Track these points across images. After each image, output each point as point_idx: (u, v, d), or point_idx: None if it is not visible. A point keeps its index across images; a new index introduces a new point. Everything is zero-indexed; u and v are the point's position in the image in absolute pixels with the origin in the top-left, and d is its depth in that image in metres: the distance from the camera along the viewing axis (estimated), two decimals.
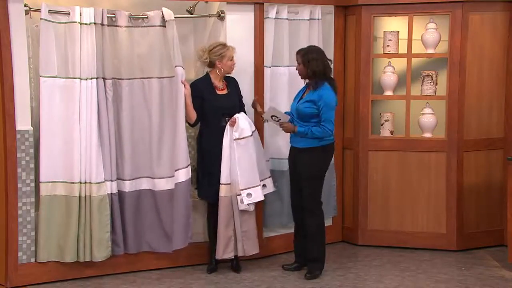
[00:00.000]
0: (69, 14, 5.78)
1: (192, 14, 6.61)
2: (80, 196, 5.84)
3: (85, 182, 5.84)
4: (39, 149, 5.76)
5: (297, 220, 6.24)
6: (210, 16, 6.56)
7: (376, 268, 6.43)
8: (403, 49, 6.98)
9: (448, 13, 6.76)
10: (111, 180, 5.94)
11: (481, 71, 6.84)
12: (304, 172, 6.02)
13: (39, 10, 5.69)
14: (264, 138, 6.53)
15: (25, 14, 5.71)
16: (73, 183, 5.83)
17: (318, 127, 5.91)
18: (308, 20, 6.76)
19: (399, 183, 6.97)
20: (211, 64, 6.14)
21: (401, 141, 6.98)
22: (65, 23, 5.78)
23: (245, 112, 6.24)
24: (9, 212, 5.70)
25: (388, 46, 7.02)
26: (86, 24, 5.79)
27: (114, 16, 5.94)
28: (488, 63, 6.86)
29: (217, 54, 6.07)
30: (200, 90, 6.12)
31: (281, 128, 6.04)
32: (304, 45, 6.30)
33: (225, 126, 6.11)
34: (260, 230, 6.56)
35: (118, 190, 6.00)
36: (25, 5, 5.70)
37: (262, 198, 6.19)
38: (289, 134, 6.18)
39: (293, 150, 6.14)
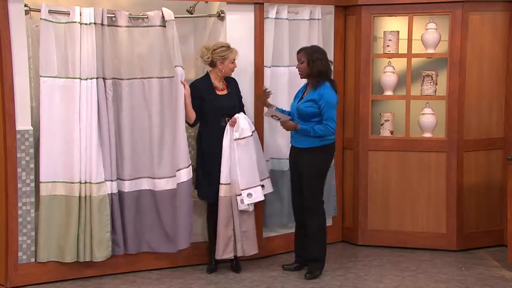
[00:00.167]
0: (69, 14, 5.78)
1: (192, 14, 6.61)
2: (80, 196, 5.84)
3: (85, 182, 5.84)
4: (39, 149, 5.76)
5: (298, 220, 6.24)
6: (210, 16, 6.56)
7: (376, 268, 6.43)
8: (403, 49, 6.98)
9: (448, 13, 6.76)
10: (111, 180, 5.94)
11: (481, 71, 6.84)
12: (305, 172, 6.02)
13: (39, 10, 5.69)
14: (264, 138, 6.53)
15: (25, 14, 5.71)
16: (73, 183, 5.83)
17: (321, 125, 5.91)
18: (308, 20, 6.76)
19: (399, 183, 6.97)
20: (212, 64, 6.14)
21: (401, 141, 6.98)
22: (65, 23, 5.78)
23: (244, 113, 6.24)
24: (9, 212, 5.70)
25: (388, 46, 7.03)
26: (86, 24, 5.79)
27: (114, 16, 5.94)
28: (488, 63, 6.86)
29: (220, 55, 6.07)
30: (200, 90, 6.12)
31: (282, 126, 6.02)
32: (304, 45, 6.29)
33: (224, 126, 6.11)
34: (260, 230, 6.57)
35: (118, 190, 6.01)
36: (25, 5, 5.70)
37: (262, 198, 6.20)
38: (289, 134, 6.19)
39: (294, 150, 6.14)
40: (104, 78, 5.91)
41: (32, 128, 5.77)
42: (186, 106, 6.08)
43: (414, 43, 6.91)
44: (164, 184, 6.09)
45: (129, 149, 6.02)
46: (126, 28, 5.96)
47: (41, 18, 5.69)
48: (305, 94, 6.06)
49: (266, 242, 6.66)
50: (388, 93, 7.09)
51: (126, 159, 6.01)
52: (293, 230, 6.39)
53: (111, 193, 5.95)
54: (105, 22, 5.89)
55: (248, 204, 6.11)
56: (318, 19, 6.80)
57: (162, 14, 6.04)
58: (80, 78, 5.80)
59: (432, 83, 6.94)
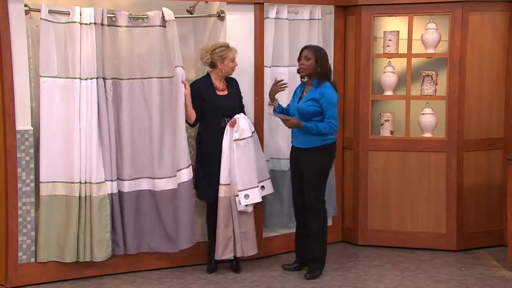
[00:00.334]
0: (69, 14, 5.78)
1: (192, 14, 6.61)
2: (80, 196, 5.84)
3: (85, 182, 5.84)
4: (39, 149, 5.76)
5: (298, 220, 6.24)
6: (210, 16, 6.56)
7: (376, 268, 6.43)
8: (403, 49, 6.98)
9: (448, 13, 6.76)
10: (112, 180, 5.94)
11: (481, 71, 6.84)
12: (307, 172, 6.02)
13: (39, 10, 5.69)
14: (264, 138, 6.53)
15: (25, 14, 5.71)
16: (73, 183, 5.82)
17: (324, 123, 5.91)
18: (308, 20, 6.76)
19: (399, 183, 6.97)
20: (213, 65, 6.13)
21: (401, 141, 6.98)
22: (65, 23, 5.78)
23: (244, 113, 6.24)
24: (9, 212, 5.70)
25: (388, 46, 7.03)
26: (86, 24, 5.79)
27: (114, 16, 5.94)
28: (488, 63, 6.86)
29: (219, 55, 6.07)
30: (200, 90, 6.11)
31: (285, 124, 5.99)
32: (304, 45, 6.28)
33: (224, 127, 6.11)
34: (260, 230, 6.57)
35: (118, 190, 6.01)
36: (25, 5, 5.70)
37: (259, 199, 6.19)
38: (289, 134, 6.19)
39: (295, 150, 6.13)
40: (104, 78, 5.91)
41: (32, 128, 5.77)
42: (186, 106, 6.08)
43: (414, 43, 6.91)
44: (164, 184, 6.08)
45: (129, 149, 6.02)
46: (126, 28, 5.96)
47: (41, 18, 5.69)
48: (304, 94, 6.06)
49: (266, 242, 6.66)
50: (388, 93, 7.09)
51: (125, 159, 6.01)
52: (293, 230, 6.39)
53: (111, 193, 5.94)
54: (105, 22, 5.89)
55: (246, 205, 6.11)
56: (318, 19, 6.80)
57: (162, 14, 6.04)
58: (80, 78, 5.80)
59: (432, 83, 6.94)
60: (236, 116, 6.11)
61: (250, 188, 6.10)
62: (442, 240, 6.89)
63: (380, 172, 7.02)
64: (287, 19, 6.64)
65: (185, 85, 6.07)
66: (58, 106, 5.79)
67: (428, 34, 6.92)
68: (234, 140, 6.07)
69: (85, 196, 5.84)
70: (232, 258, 6.22)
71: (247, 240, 6.18)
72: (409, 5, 6.82)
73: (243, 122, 6.10)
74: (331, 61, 6.84)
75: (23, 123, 5.73)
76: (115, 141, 5.97)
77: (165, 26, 6.04)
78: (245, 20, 6.44)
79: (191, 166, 6.17)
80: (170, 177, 6.09)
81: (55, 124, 5.78)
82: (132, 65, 6.00)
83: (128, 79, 5.99)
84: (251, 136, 6.15)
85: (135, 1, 6.46)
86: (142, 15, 6.04)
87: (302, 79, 6.11)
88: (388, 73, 7.07)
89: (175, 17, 6.07)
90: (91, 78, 5.82)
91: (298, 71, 6.09)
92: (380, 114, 7.12)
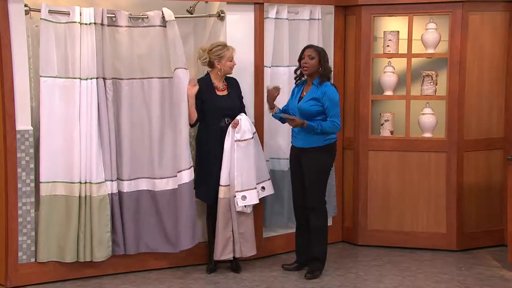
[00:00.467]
0: (69, 14, 5.78)
1: (192, 14, 6.61)
2: (80, 196, 5.84)
3: (85, 182, 5.84)
4: (39, 149, 5.76)
5: (299, 220, 6.24)
6: (210, 16, 6.56)
7: (376, 268, 6.42)
8: (403, 49, 6.98)
9: (448, 13, 6.76)
10: (111, 180, 5.94)
11: (481, 71, 6.84)
12: (309, 172, 6.01)
13: (39, 10, 5.69)
14: (264, 138, 6.52)
15: (25, 14, 5.71)
16: (73, 183, 5.83)
17: (327, 122, 5.91)
18: (308, 20, 6.76)
19: (399, 183, 6.97)
20: (211, 64, 6.13)
21: (401, 141, 6.98)
22: (65, 23, 5.78)
23: (245, 113, 6.24)
24: (9, 212, 5.70)
25: (388, 46, 7.02)
26: (86, 24, 5.79)
27: (114, 16, 5.94)
28: (488, 63, 6.86)
29: (216, 54, 6.07)
30: (200, 90, 6.10)
31: (290, 124, 5.96)
32: (304, 45, 6.28)
33: (224, 127, 6.10)
34: (260, 230, 6.57)
35: (118, 190, 6.01)
36: (25, 5, 5.70)
37: (256, 201, 6.18)
38: (289, 134, 6.19)
39: (296, 150, 6.12)
40: (104, 78, 5.91)
41: (32, 128, 5.77)
42: (190, 106, 6.05)
43: (414, 43, 6.91)
44: (164, 185, 6.08)
45: (128, 150, 6.02)
46: (126, 28, 5.96)
47: (41, 18, 5.69)
48: (304, 93, 6.06)
49: (266, 242, 6.66)
50: (388, 93, 7.09)
51: (125, 159, 6.01)
52: (293, 230, 6.39)
53: (111, 193, 5.94)
54: (105, 22, 5.89)
55: (245, 206, 6.10)
56: (318, 19, 6.80)
57: (162, 14, 6.04)
58: (80, 78, 5.81)
59: (432, 83, 6.94)
60: (238, 117, 6.10)
61: (248, 189, 6.10)
62: (442, 240, 6.89)
63: (380, 172, 7.01)
64: (287, 19, 6.64)
65: (194, 85, 6.01)
66: (58, 106, 5.79)
67: (428, 34, 6.92)
68: (235, 141, 6.06)
69: (85, 196, 5.84)
70: (232, 258, 6.21)
71: (246, 241, 6.17)
72: (409, 5, 6.82)
73: (244, 124, 6.10)
74: (331, 61, 6.85)
75: (23, 123, 5.73)
76: (115, 141, 5.97)
77: (165, 26, 6.04)
78: (245, 20, 6.44)
79: (192, 167, 6.16)
80: (169, 177, 6.08)
81: (55, 124, 5.78)
82: (132, 65, 6.01)
83: (128, 79, 5.99)
84: (252, 137, 6.14)
85: (135, 1, 6.46)
86: (142, 15, 6.04)
87: (300, 79, 6.10)
88: (388, 73, 7.06)
89: (175, 17, 6.07)
90: (91, 78, 5.82)
91: (296, 71, 6.09)
92: (380, 114, 7.12)
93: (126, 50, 5.98)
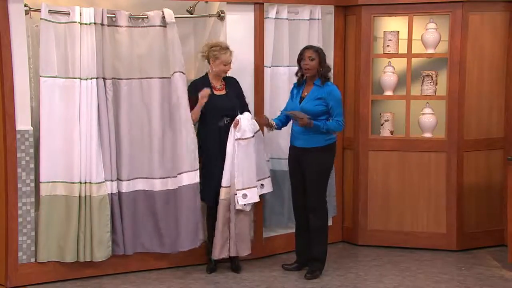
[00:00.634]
0: (69, 14, 5.78)
1: (192, 14, 6.61)
2: (80, 196, 5.84)
3: (85, 182, 5.84)
4: (39, 149, 5.76)
5: (299, 220, 6.24)
6: (210, 16, 6.56)
7: (376, 268, 6.42)
8: (403, 49, 6.98)
9: (448, 13, 6.76)
10: (111, 180, 5.94)
11: (481, 71, 6.84)
12: (310, 172, 6.01)
13: (39, 10, 5.69)
14: (264, 138, 6.51)
15: (25, 14, 5.71)
16: (73, 183, 5.83)
17: (332, 121, 5.92)
18: (308, 20, 6.76)
19: (399, 183, 6.97)
20: (208, 60, 6.13)
21: (401, 141, 6.98)
22: (65, 23, 5.78)
23: (249, 111, 6.22)
24: (9, 212, 5.70)
25: (388, 46, 7.02)
26: (86, 24, 5.79)
27: (114, 16, 5.94)
28: (488, 63, 6.86)
29: (213, 53, 6.06)
30: (198, 89, 6.10)
31: (300, 123, 5.92)
32: (304, 45, 6.28)
33: (223, 127, 6.10)
34: (260, 230, 6.57)
35: (117, 191, 6.01)
36: (25, 5, 5.70)
37: (257, 199, 6.17)
38: (289, 134, 6.18)
39: (295, 150, 6.11)
40: (104, 78, 5.91)
41: (32, 128, 5.77)
42: (195, 109, 6.03)
43: (414, 43, 6.90)
44: (161, 185, 6.08)
45: (128, 150, 6.02)
46: (126, 28, 5.96)
47: (41, 18, 5.69)
48: (305, 94, 6.05)
49: (266, 242, 6.66)
50: (388, 93, 7.09)
51: (124, 160, 6.01)
52: (293, 230, 6.39)
53: (111, 193, 5.94)
54: (105, 22, 5.89)
55: (245, 204, 6.10)
56: (318, 19, 6.80)
57: (163, 14, 6.04)
58: (80, 78, 5.81)
59: (432, 83, 6.94)
60: (239, 116, 6.10)
61: (248, 187, 6.10)
62: (442, 240, 6.89)
63: (380, 172, 7.01)
64: (287, 19, 6.64)
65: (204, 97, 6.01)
66: (58, 106, 5.79)
67: (428, 34, 6.92)
68: (236, 139, 6.05)
69: (85, 196, 5.84)
70: (228, 257, 6.20)
71: (241, 241, 6.16)
72: (409, 5, 6.82)
73: (244, 123, 6.09)
74: (331, 61, 6.86)
75: (23, 123, 5.73)
76: (115, 141, 5.97)
77: (165, 26, 6.04)
78: (245, 20, 6.43)
79: (197, 170, 6.09)
80: (167, 178, 6.08)
81: (55, 124, 5.78)
82: (132, 65, 6.01)
83: (127, 79, 5.99)
84: (253, 136, 6.13)
85: (135, 1, 6.46)
86: (142, 15, 6.04)
87: (302, 80, 6.11)
88: (388, 73, 7.06)
89: (175, 17, 6.07)
90: (91, 78, 5.82)
91: (297, 73, 6.09)
92: (380, 114, 7.12)
93: (126, 50, 5.98)
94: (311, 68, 5.99)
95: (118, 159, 5.99)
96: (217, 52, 6.05)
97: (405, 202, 6.97)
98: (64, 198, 5.83)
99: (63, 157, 5.82)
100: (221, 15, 6.42)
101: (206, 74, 6.21)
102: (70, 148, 5.82)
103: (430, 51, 6.95)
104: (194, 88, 6.12)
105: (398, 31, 7.01)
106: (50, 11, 5.72)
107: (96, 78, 5.84)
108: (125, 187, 6.02)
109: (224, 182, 6.07)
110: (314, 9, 6.79)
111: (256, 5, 6.44)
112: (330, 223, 6.87)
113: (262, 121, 6.12)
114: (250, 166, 6.11)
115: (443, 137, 6.88)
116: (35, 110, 5.85)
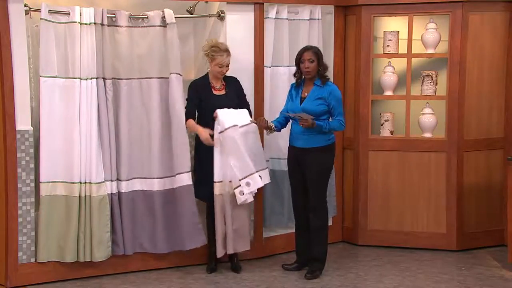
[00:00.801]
0: (69, 14, 5.78)
1: (192, 14, 6.61)
2: (80, 196, 5.84)
3: (85, 182, 5.84)
4: (39, 149, 5.76)
5: (299, 220, 6.23)
6: (210, 16, 6.56)
7: (376, 268, 6.42)
8: (403, 49, 6.98)
9: (448, 13, 6.76)
10: (111, 180, 5.94)
11: (481, 71, 6.84)
12: (310, 172, 6.01)
13: (39, 10, 5.69)
14: (264, 138, 6.51)
15: (25, 14, 5.71)
16: (73, 183, 5.83)
17: (334, 121, 5.94)
18: (308, 20, 6.76)
19: (399, 183, 6.97)
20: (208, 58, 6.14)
21: (401, 141, 6.98)
22: (65, 23, 5.78)
23: (249, 111, 6.20)
24: (9, 212, 5.70)
25: (388, 46, 7.02)
26: (86, 24, 5.80)
27: (114, 16, 5.94)
28: (488, 63, 6.86)
29: (211, 54, 6.05)
30: (198, 89, 6.10)
31: (304, 123, 5.89)
32: (304, 45, 6.28)
33: None
34: (260, 230, 6.57)
35: (117, 191, 6.01)
36: (25, 5, 5.70)
37: (261, 184, 6.10)
38: (289, 134, 6.18)
39: (295, 150, 6.09)
40: (104, 78, 5.91)
41: (32, 128, 5.77)
42: (194, 127, 6.03)
43: (414, 43, 6.90)
44: (159, 185, 6.08)
45: (127, 150, 6.02)
46: (126, 28, 5.96)
47: (41, 18, 5.69)
48: (305, 94, 6.05)
49: (266, 242, 6.66)
50: (388, 93, 7.09)
51: (124, 160, 6.01)
52: (293, 230, 6.38)
53: (111, 193, 5.95)
54: (105, 22, 5.89)
55: (249, 193, 6.03)
56: (318, 19, 6.81)
57: (163, 14, 6.04)
58: (80, 78, 5.81)
59: (432, 83, 6.94)
60: (216, 110, 6.00)
61: (249, 174, 6.03)
62: (442, 240, 6.89)
63: (380, 172, 7.01)
64: (287, 19, 6.64)
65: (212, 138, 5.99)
66: (58, 106, 5.79)
67: (428, 34, 6.92)
68: (219, 133, 6.00)
69: (85, 196, 5.85)
70: (228, 257, 6.19)
71: (239, 237, 6.12)
72: (409, 5, 6.82)
73: (222, 115, 5.96)
74: (331, 61, 6.88)
75: (23, 123, 5.73)
76: (115, 141, 5.97)
77: (165, 26, 6.04)
78: (245, 20, 6.43)
79: (191, 172, 6.11)
80: (165, 178, 6.08)
81: (55, 124, 5.78)
82: (132, 65, 6.01)
83: (127, 79, 5.99)
84: (236, 125, 6.00)
85: (135, 1, 6.46)
86: (142, 15, 6.04)
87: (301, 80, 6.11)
88: (388, 73, 7.07)
89: (175, 17, 6.07)
90: (91, 78, 5.82)
91: (295, 74, 6.08)
92: (380, 114, 7.12)
93: (126, 50, 5.98)
94: (311, 70, 5.99)
95: (117, 159, 5.99)
96: (214, 53, 6.04)
97: (405, 202, 6.97)
98: (64, 198, 5.83)
99: (63, 157, 5.82)
100: (221, 15, 6.42)
101: (207, 74, 6.21)
102: (70, 148, 5.82)
103: (430, 51, 6.95)
104: (194, 88, 6.13)
105: (398, 31, 7.01)
106: (50, 11, 5.72)
107: (96, 78, 5.85)
108: (125, 187, 6.03)
109: (216, 177, 6.04)
110: (314, 9, 6.79)
111: (256, 5, 6.44)
112: (330, 223, 6.87)
113: (261, 124, 6.11)
114: (242, 154, 5.99)
115: (443, 137, 6.88)
116: (35, 110, 5.85)
